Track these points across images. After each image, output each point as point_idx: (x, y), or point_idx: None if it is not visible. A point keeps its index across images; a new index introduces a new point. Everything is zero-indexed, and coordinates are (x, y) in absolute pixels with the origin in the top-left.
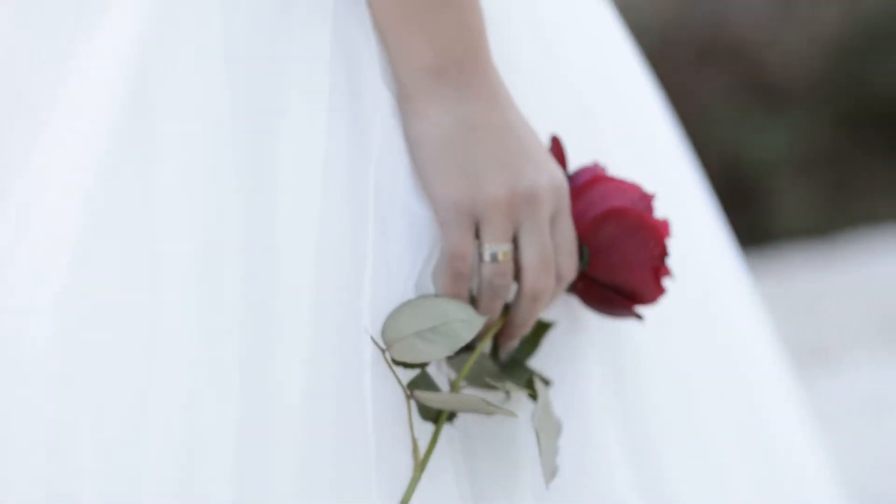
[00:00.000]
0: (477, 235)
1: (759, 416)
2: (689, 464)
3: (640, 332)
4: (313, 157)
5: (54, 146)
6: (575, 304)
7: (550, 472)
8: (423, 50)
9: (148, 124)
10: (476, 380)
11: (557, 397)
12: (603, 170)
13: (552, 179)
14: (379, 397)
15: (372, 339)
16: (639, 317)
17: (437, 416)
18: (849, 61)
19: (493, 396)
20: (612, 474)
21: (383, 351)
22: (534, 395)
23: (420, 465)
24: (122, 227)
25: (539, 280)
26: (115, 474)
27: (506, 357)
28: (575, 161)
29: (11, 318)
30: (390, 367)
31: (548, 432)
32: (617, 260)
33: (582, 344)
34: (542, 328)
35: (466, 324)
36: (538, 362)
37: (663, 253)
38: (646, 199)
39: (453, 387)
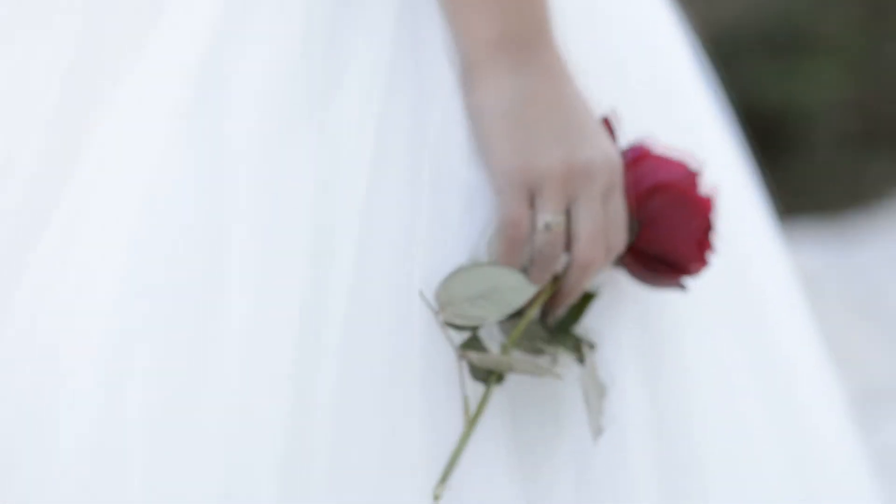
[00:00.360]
0: (532, 205)
1: (795, 396)
2: (722, 443)
3: (678, 306)
4: (366, 130)
5: (120, 126)
6: (617, 279)
7: (596, 429)
8: (489, 22)
9: (218, 97)
10: (525, 344)
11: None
12: (651, 146)
13: (607, 155)
14: (429, 360)
15: (424, 299)
16: (683, 287)
17: (487, 377)
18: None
19: (541, 361)
20: (639, 451)
21: (436, 313)
22: (581, 359)
23: (471, 422)
24: (186, 205)
25: (590, 251)
26: (165, 476)
27: (553, 323)
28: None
29: (67, 312)
30: (442, 328)
31: (594, 392)
32: (663, 233)
33: (621, 318)
34: (587, 298)
35: (517, 290)
36: (580, 332)
37: (707, 227)
38: (692, 175)
39: (504, 349)
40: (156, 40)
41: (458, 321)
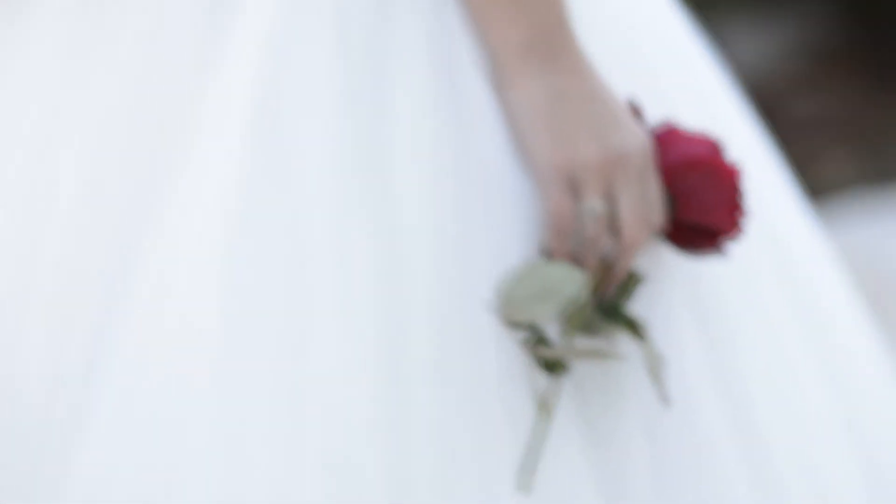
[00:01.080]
0: (576, 196)
1: (830, 333)
2: (775, 396)
3: (718, 271)
4: (423, 143)
5: (196, 157)
6: (661, 254)
7: (665, 398)
8: (515, 26)
9: (277, 127)
10: (583, 328)
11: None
12: (675, 126)
13: (638, 139)
14: (501, 360)
15: (489, 304)
16: (722, 252)
17: (553, 368)
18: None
19: (598, 343)
20: (706, 411)
21: (498, 317)
22: (639, 335)
23: (546, 410)
24: (265, 230)
25: (634, 231)
26: (286, 472)
27: (604, 305)
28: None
29: (173, 325)
30: (507, 328)
31: (655, 364)
32: (698, 205)
33: (669, 289)
34: (633, 279)
35: (569, 281)
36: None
37: (737, 194)
38: (717, 147)
39: (565, 338)
40: (220, 61)
41: (521, 319)
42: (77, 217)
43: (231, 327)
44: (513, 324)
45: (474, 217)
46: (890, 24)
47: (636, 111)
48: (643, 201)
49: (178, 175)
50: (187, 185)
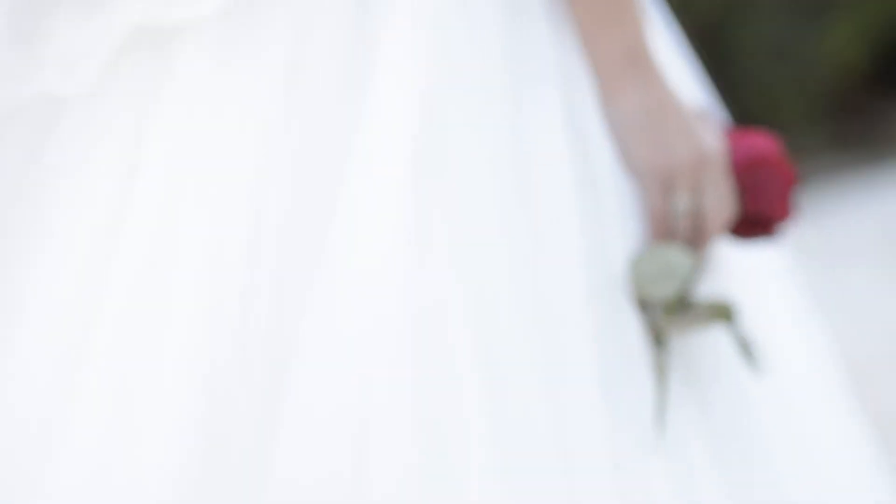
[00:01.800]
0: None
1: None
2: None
3: (735, 265)
4: (560, 149)
5: (363, 162)
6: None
7: (756, 371)
8: (615, 45)
9: (442, 130)
10: (676, 309)
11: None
12: (731, 129)
13: (714, 143)
14: (627, 334)
15: (627, 284)
16: (774, 237)
17: (660, 340)
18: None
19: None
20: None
21: (634, 294)
22: (727, 317)
23: (663, 373)
24: (438, 222)
25: (717, 222)
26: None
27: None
28: None
29: (358, 327)
30: (638, 305)
31: (744, 342)
32: (763, 196)
33: (714, 277)
34: (700, 267)
35: (684, 262)
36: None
37: (793, 185)
38: (775, 143)
39: (665, 316)
40: (377, 68)
41: (652, 294)
42: (252, 226)
43: (416, 319)
44: (641, 298)
45: (604, 214)
46: None
47: (705, 116)
48: (722, 196)
49: (348, 175)
50: (358, 183)
